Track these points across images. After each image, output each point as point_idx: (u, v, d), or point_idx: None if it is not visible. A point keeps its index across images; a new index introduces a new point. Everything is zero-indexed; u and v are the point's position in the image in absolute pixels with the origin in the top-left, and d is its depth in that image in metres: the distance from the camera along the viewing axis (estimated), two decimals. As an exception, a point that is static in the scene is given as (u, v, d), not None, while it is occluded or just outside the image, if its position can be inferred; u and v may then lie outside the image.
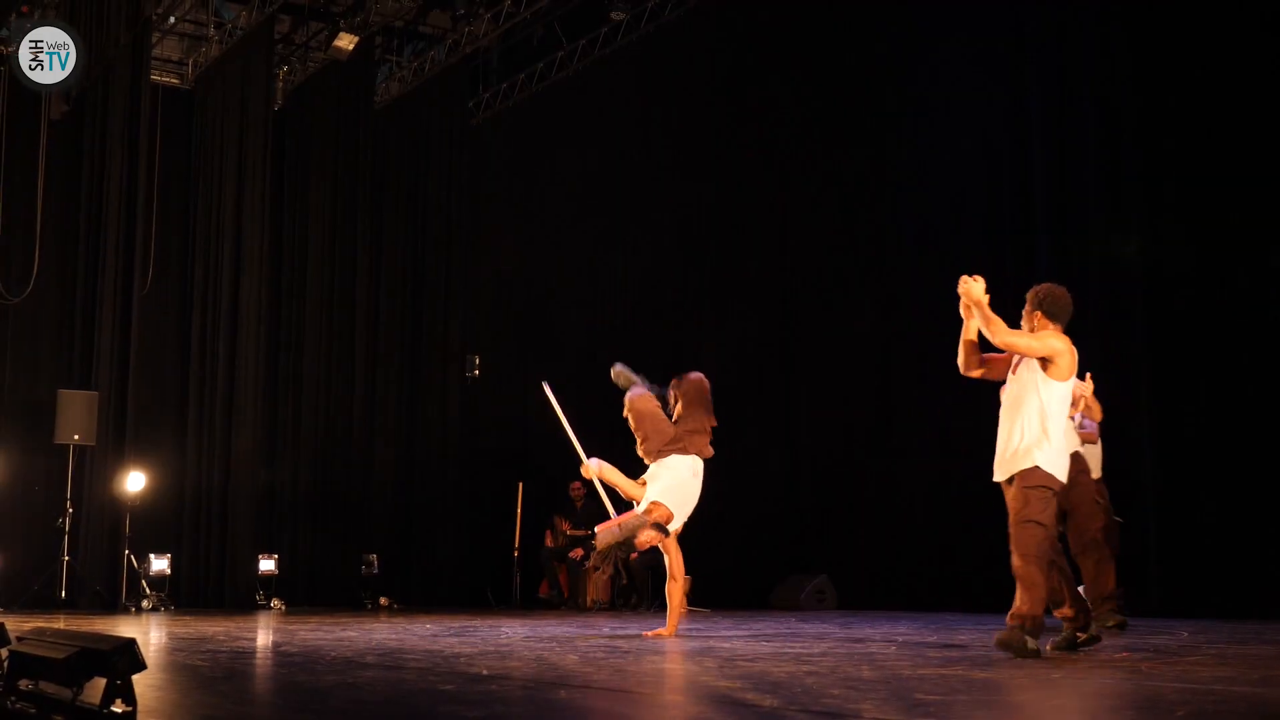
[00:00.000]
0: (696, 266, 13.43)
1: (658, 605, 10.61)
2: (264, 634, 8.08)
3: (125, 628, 8.68)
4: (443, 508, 14.41)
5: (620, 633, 7.61)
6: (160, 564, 12.12)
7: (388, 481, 14.23)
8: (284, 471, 13.65)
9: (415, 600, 13.47)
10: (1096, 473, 7.06)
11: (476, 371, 14.80)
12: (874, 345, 11.56)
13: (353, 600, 13.06)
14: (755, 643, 6.62)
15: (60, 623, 8.75)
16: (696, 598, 12.01)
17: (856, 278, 11.91)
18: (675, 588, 7.26)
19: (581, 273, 14.71)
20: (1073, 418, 6.48)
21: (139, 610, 11.40)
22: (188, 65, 14.06)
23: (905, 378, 11.27)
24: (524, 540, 13.33)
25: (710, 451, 7.30)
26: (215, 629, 8.64)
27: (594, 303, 14.52)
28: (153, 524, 12.48)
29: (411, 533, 14.27)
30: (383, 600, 13.13)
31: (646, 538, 6.96)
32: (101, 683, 3.50)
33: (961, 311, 5.79)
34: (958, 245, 10.98)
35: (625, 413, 7.34)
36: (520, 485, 13.36)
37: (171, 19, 13.66)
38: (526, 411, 14.55)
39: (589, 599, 12.82)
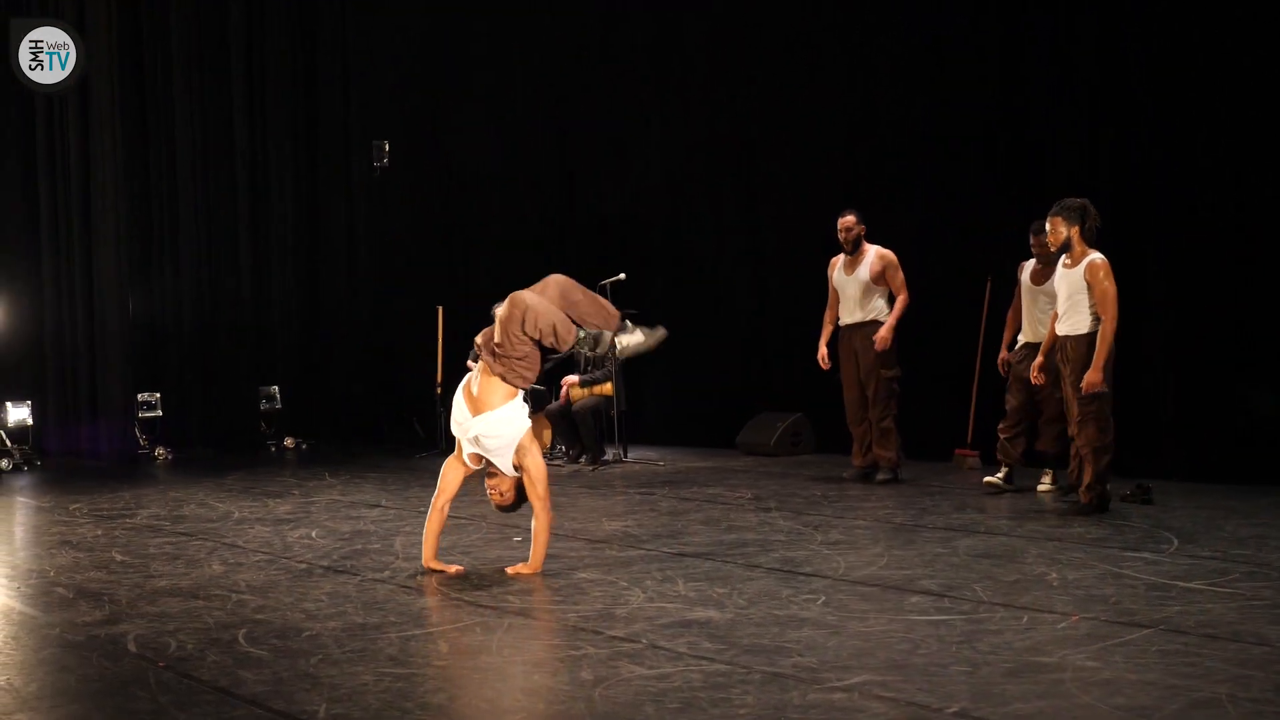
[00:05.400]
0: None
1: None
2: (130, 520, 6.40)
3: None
4: (352, 334, 12.60)
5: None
6: (20, 413, 10.37)
7: (288, 304, 12.38)
8: (162, 300, 11.72)
9: (324, 438, 11.88)
10: None
11: (386, 160, 12.53)
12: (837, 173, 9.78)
13: (253, 441, 11.45)
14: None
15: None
16: (651, 436, 10.49)
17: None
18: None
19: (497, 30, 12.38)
20: None
21: (-1, 472, 9.67)
22: None
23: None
24: (447, 372, 11.32)
25: None
26: (77, 503, 7.63)
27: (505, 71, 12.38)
28: (9, 368, 10.70)
29: (317, 363, 12.46)
30: (288, 441, 11.52)
31: None
32: None
33: None
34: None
35: None
36: (440, 310, 11.29)
37: None
38: (447, 212, 12.53)
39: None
